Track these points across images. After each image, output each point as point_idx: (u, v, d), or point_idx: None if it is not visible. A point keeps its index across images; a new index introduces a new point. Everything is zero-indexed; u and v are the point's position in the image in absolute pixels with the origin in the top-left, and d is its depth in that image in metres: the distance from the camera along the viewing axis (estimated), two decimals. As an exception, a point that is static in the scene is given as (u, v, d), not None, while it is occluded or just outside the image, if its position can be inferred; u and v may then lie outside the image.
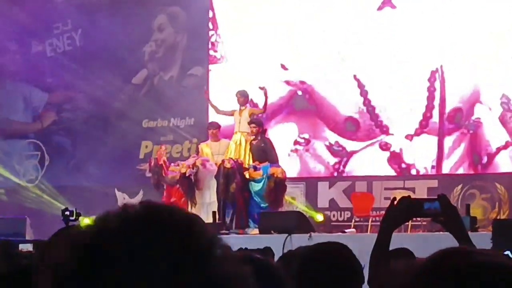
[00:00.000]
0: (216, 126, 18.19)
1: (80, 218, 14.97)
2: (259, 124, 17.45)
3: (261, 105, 18.37)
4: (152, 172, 17.84)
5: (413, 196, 5.07)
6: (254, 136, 17.40)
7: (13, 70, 21.88)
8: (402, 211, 3.82)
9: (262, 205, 16.91)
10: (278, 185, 16.85)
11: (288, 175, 17.53)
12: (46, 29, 21.71)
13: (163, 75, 21.16)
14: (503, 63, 17.92)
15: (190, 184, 17.40)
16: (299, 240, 13.73)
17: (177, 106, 20.66)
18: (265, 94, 17.68)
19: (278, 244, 13.03)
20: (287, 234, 14.35)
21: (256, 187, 17.02)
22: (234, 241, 13.30)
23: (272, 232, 15.08)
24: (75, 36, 21.63)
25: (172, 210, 1.62)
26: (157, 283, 1.54)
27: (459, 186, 18.14)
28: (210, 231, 1.61)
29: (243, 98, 17.97)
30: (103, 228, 1.59)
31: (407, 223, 14.91)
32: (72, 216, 14.36)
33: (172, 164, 17.90)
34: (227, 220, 16.96)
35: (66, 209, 14.51)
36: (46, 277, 1.59)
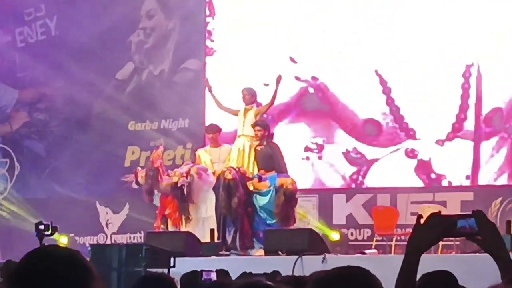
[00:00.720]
0: (216, 129, 17.96)
1: (56, 233, 14.99)
2: (264, 127, 17.32)
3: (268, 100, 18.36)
4: (146, 176, 17.75)
5: (444, 211, 5.06)
6: (259, 141, 17.24)
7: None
8: (432, 230, 3.83)
9: (268, 221, 16.84)
10: (287, 198, 16.74)
11: (299, 186, 17.54)
12: (15, 15, 21.76)
13: (153, 69, 21.17)
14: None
15: (182, 196, 17.33)
16: (312, 263, 13.84)
17: (169, 105, 20.70)
18: (278, 82, 17.51)
19: (287, 267, 13.22)
20: (297, 256, 14.34)
21: (261, 200, 16.95)
22: (237, 263, 13.39)
23: (280, 253, 15.06)
24: (49, 24, 21.65)
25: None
26: None
27: (498, 200, 18.19)
28: None
29: (250, 96, 17.82)
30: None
31: (437, 244, 15.01)
32: (48, 230, 14.28)
33: (169, 170, 17.88)
34: (228, 239, 16.91)
35: (40, 223, 14.43)
36: None
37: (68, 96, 21.18)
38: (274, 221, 16.79)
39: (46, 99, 21.51)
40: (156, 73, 21.12)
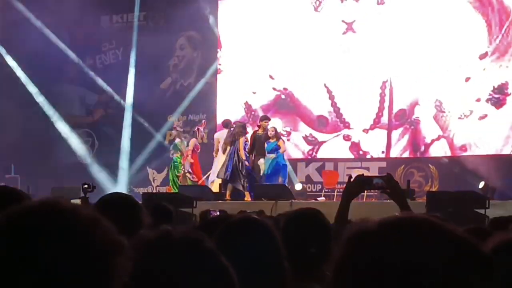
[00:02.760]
0: (228, 123, 17.58)
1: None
2: (269, 120, 17.06)
3: (255, 107, 18.16)
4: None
5: (366, 174, 5.08)
6: (264, 130, 16.71)
7: (72, 76, 21.80)
8: (357, 185, 3.86)
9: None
10: None
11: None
12: (97, 47, 21.67)
13: (183, 82, 21.07)
14: (436, 74, 17.93)
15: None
16: (283, 206, 13.76)
17: (193, 105, 20.58)
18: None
19: (267, 208, 13.01)
20: (274, 201, 14.27)
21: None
22: (235, 205, 13.36)
23: (263, 199, 14.96)
24: (118, 52, 21.61)
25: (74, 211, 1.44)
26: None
27: (402, 167, 18.20)
28: (110, 235, 1.45)
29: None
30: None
31: (362, 194, 14.99)
32: (90, 188, 13.26)
33: None
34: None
35: (85, 183, 13.43)
36: None
37: (128, 99, 21.09)
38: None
39: (115, 101, 21.38)
40: (185, 84, 21.01)
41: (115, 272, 1.42)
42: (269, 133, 16.58)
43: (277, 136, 16.74)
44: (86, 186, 13.32)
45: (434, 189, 17.34)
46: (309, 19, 19.37)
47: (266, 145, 16.58)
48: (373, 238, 1.42)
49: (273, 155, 16.43)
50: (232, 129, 16.99)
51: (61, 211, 1.43)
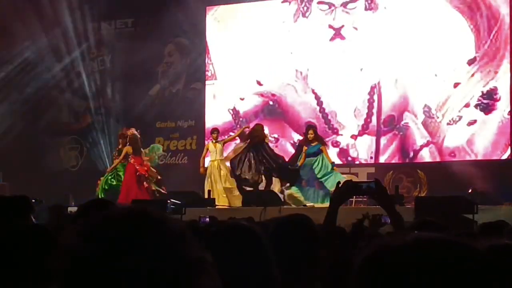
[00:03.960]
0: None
1: None
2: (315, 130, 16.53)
3: (242, 111, 18.20)
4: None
5: (355, 179, 5.08)
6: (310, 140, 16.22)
7: (59, 83, 21.67)
8: (346, 191, 3.87)
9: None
10: None
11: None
12: (85, 54, 21.54)
13: (172, 88, 21.06)
14: (425, 80, 17.99)
15: None
16: (272, 212, 13.71)
17: (182, 111, 20.56)
18: (240, 130, 17.18)
19: (257, 214, 12.92)
20: (263, 207, 14.15)
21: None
22: (224, 212, 13.35)
23: (252, 205, 14.88)
24: (106, 59, 21.57)
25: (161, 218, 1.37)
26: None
27: (391, 172, 18.21)
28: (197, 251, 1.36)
29: (217, 134, 17.08)
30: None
31: (351, 199, 15.01)
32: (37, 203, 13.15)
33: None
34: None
35: (33, 198, 13.11)
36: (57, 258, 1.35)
37: (117, 105, 21.08)
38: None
39: (103, 107, 21.34)
40: (174, 91, 21.00)
41: None
42: (308, 136, 16.32)
43: (319, 139, 16.39)
44: (34, 200, 13.18)
45: (422, 195, 17.37)
46: (297, 25, 19.42)
47: (306, 148, 16.24)
48: (396, 258, 1.36)
49: (314, 159, 16.03)
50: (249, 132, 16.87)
51: (153, 220, 1.36)
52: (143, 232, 1.33)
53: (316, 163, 16.04)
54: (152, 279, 1.29)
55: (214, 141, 16.98)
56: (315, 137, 16.24)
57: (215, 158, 16.86)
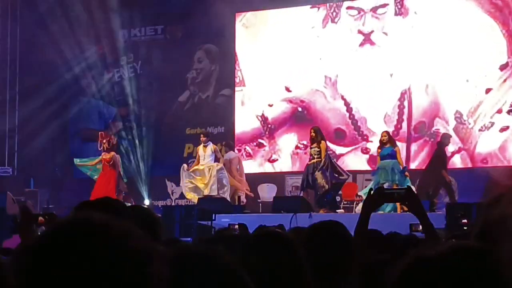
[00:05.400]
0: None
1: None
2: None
3: (270, 118, 18.17)
4: None
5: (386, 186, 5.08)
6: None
7: (90, 90, 21.83)
8: (377, 198, 3.88)
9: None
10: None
11: (293, 169, 17.58)
12: (115, 61, 21.70)
13: (202, 95, 21.10)
14: (457, 85, 17.90)
15: None
16: (302, 218, 13.68)
17: (212, 117, 20.58)
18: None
19: (286, 220, 12.86)
20: (293, 213, 14.13)
21: None
22: (254, 219, 13.34)
23: (283, 212, 14.79)
24: (136, 66, 21.67)
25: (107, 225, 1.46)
26: None
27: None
28: (144, 244, 1.46)
29: (206, 137, 17.20)
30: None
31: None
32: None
33: None
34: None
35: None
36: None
37: (148, 112, 21.14)
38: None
39: (134, 114, 21.39)
40: (203, 97, 21.04)
41: (153, 280, 1.44)
42: (382, 138, 16.04)
43: (392, 141, 15.99)
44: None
45: (454, 201, 17.24)
46: (326, 30, 19.40)
47: (380, 150, 15.95)
48: (432, 269, 1.38)
49: (388, 161, 15.65)
50: None
51: (94, 225, 1.45)
52: (85, 238, 1.43)
53: (391, 166, 15.55)
54: (94, 279, 1.39)
55: (204, 145, 17.03)
56: (388, 139, 15.88)
57: (203, 163, 16.90)
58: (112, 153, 17.30)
